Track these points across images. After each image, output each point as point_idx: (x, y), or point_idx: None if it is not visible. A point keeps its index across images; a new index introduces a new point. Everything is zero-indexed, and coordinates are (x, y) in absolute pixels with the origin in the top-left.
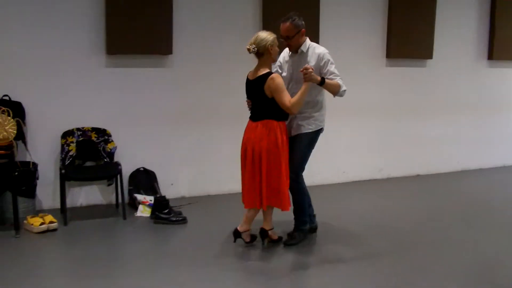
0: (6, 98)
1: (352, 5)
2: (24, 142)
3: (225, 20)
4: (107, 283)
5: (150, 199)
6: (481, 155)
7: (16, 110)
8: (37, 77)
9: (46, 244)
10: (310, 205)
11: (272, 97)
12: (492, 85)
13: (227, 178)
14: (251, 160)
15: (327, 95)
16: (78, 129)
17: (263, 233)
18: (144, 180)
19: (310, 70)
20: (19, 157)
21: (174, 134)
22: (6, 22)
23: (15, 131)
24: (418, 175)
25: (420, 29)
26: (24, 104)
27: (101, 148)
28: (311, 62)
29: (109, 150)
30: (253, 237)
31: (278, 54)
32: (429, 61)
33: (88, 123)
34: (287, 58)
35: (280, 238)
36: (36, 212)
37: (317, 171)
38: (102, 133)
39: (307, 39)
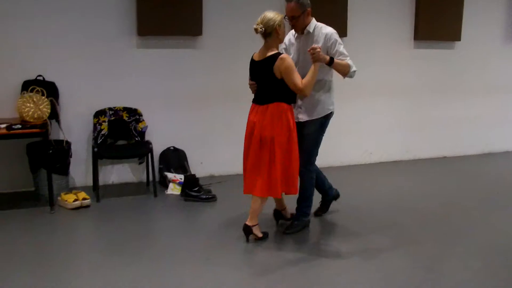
0: (40, 78)
1: None
2: (58, 121)
3: (255, 2)
4: (137, 258)
5: (180, 177)
6: (509, 137)
7: (50, 90)
8: (70, 58)
9: (80, 220)
10: (330, 187)
11: (281, 78)
12: None
13: None
14: (259, 145)
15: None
16: (110, 109)
17: (247, 229)
18: (174, 158)
19: (318, 49)
20: (53, 136)
21: (204, 113)
22: (41, 5)
23: (49, 111)
24: (444, 157)
25: (448, 10)
26: (57, 84)
27: (132, 127)
28: (319, 42)
29: (140, 129)
30: (290, 216)
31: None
32: (457, 43)
33: (119, 103)
34: (292, 40)
35: (265, 235)
36: (70, 189)
37: (343, 152)
38: (133, 112)
39: (313, 19)
